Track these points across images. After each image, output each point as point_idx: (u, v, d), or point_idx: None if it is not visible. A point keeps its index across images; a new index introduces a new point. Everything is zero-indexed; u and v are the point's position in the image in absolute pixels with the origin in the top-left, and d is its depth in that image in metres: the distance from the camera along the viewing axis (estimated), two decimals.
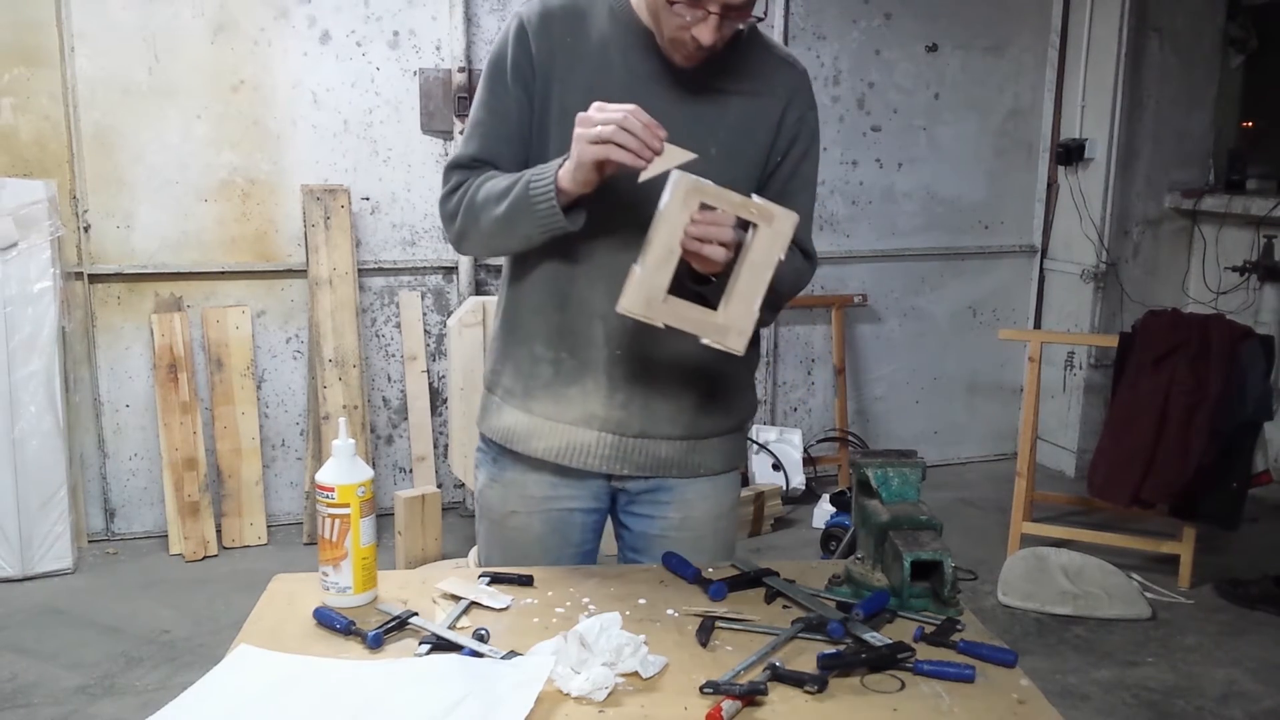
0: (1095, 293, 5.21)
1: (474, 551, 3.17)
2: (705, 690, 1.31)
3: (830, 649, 1.44)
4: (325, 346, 4.27)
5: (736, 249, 1.55)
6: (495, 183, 1.69)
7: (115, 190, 4.17)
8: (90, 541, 4.28)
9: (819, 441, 5.23)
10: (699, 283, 1.61)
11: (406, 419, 4.58)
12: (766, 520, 4.58)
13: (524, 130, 1.73)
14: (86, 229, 4.16)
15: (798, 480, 4.86)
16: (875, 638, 1.45)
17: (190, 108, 4.19)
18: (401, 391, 4.61)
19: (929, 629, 1.50)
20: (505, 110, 1.73)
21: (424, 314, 4.60)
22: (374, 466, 4.53)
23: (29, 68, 4.00)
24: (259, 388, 4.40)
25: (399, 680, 1.34)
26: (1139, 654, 3.51)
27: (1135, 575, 3.98)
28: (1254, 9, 5.14)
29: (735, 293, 1.55)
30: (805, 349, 5.20)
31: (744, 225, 1.55)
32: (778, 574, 1.68)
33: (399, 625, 1.49)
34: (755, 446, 4.85)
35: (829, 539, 4.29)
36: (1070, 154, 5.18)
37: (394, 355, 4.60)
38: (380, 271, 4.52)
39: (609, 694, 1.31)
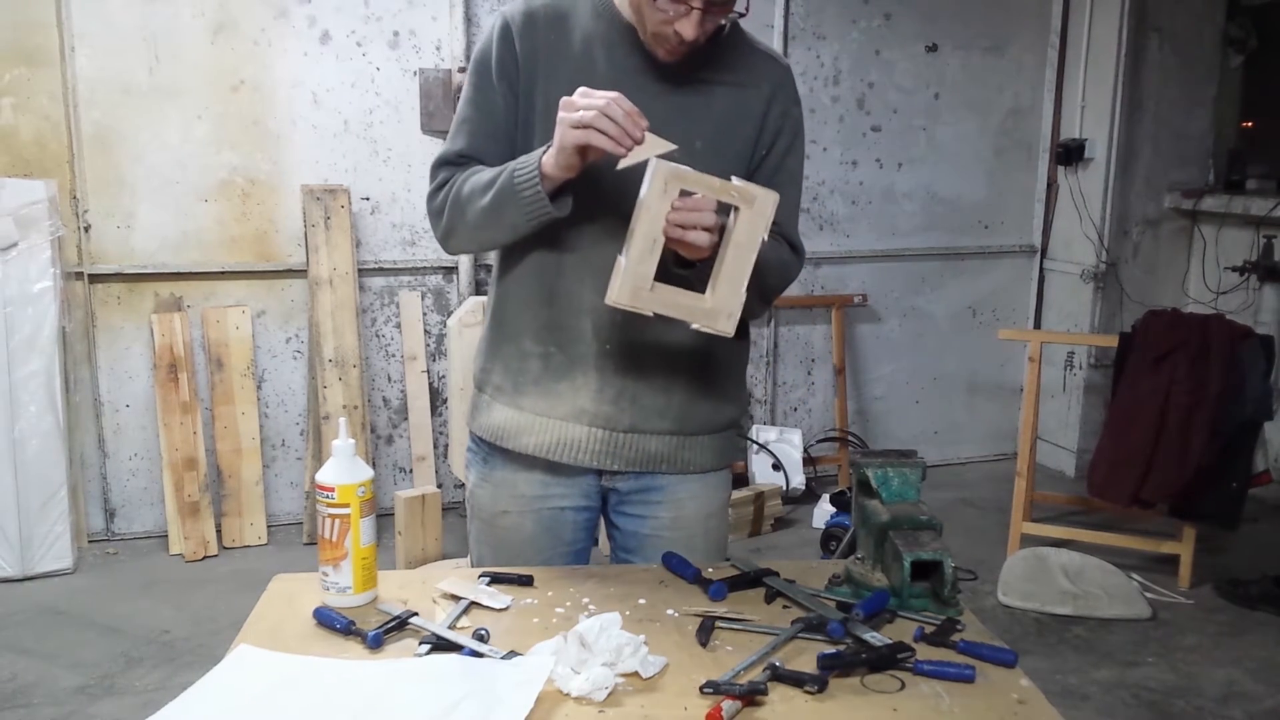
0: (1095, 293, 5.21)
1: None
2: (705, 690, 1.31)
3: (830, 649, 1.44)
4: (325, 346, 4.27)
5: (720, 233, 1.56)
6: (480, 176, 1.69)
7: (115, 190, 4.17)
8: (90, 541, 4.28)
9: (819, 441, 5.23)
10: (683, 267, 1.62)
11: (406, 419, 4.58)
12: (766, 520, 4.58)
13: (510, 127, 1.74)
14: (87, 229, 4.15)
15: (798, 480, 4.86)
16: (875, 638, 1.45)
17: (190, 108, 4.19)
18: (401, 391, 4.60)
19: (929, 629, 1.50)
20: (491, 107, 1.74)
21: (424, 314, 4.60)
22: (374, 466, 4.53)
23: (29, 68, 4.00)
24: (259, 388, 4.40)
25: (399, 680, 1.34)
26: (1139, 654, 3.51)
27: (1135, 575, 3.97)
28: (1253, 9, 5.14)
29: (721, 276, 1.56)
30: (805, 349, 5.20)
31: (725, 209, 1.56)
32: (778, 574, 1.67)
33: (399, 625, 1.48)
34: (755, 446, 4.85)
35: (829, 539, 4.29)
36: (1070, 154, 5.19)
37: (394, 355, 4.60)
38: (380, 271, 4.52)
39: (609, 694, 1.31)
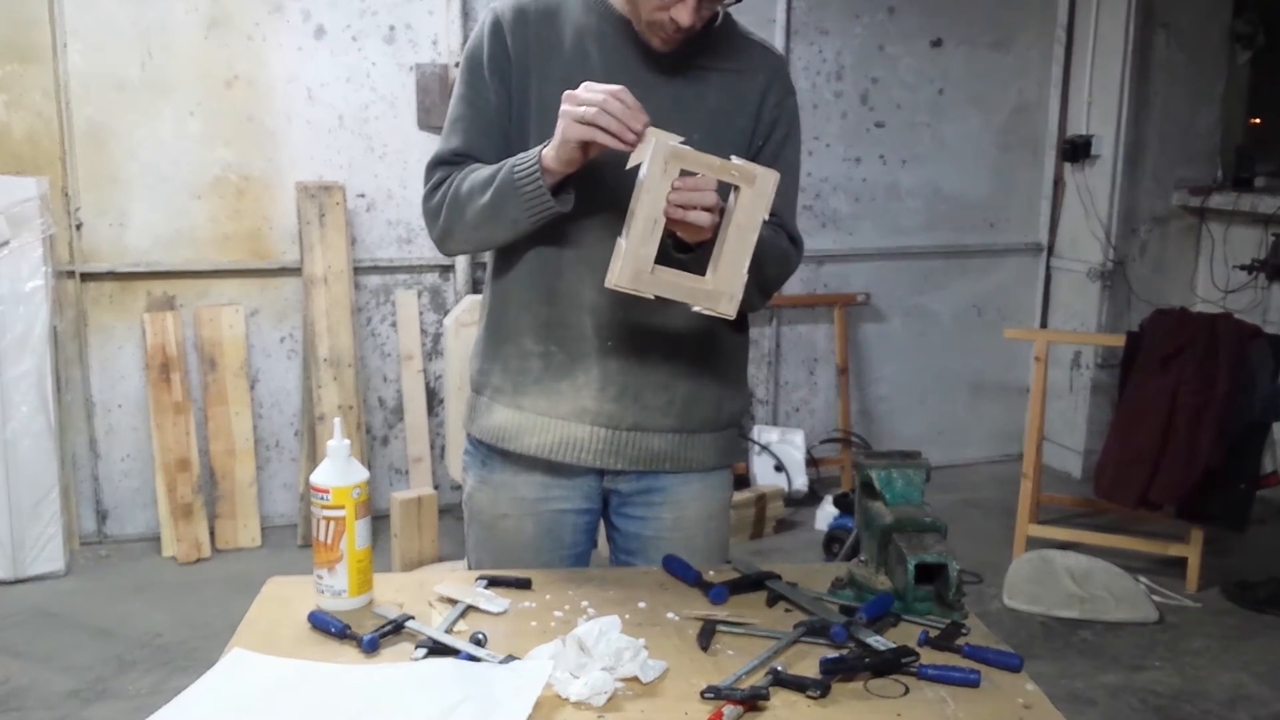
0: (1102, 291, 5.19)
1: None
2: (706, 695, 1.31)
3: (833, 653, 1.42)
4: (320, 346, 4.24)
5: (721, 214, 1.55)
6: (478, 174, 1.69)
7: (108, 188, 4.14)
8: (82, 544, 4.26)
9: (822, 442, 5.20)
10: (682, 251, 1.61)
11: (402, 419, 4.55)
12: (769, 522, 4.56)
13: (504, 123, 1.74)
14: (79, 227, 4.13)
15: (800, 482, 4.84)
16: (879, 642, 1.44)
17: (184, 104, 4.17)
18: (397, 391, 4.58)
19: (933, 633, 1.50)
20: (484, 104, 1.74)
21: (420, 313, 4.57)
22: (369, 468, 4.48)
23: (21, 64, 3.98)
24: (253, 388, 4.38)
25: (395, 685, 1.34)
26: (1146, 658, 3.49)
27: (1142, 578, 3.95)
28: (1261, 5, 5.12)
29: (723, 257, 1.55)
30: (808, 349, 5.17)
31: (726, 190, 1.55)
32: (780, 577, 1.66)
33: (395, 629, 1.48)
34: (757, 447, 4.83)
35: (832, 541, 4.27)
36: (1076, 151, 5.17)
37: (390, 355, 4.57)
38: (376, 270, 4.49)
39: (608, 699, 1.31)
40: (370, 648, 1.42)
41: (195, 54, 4.15)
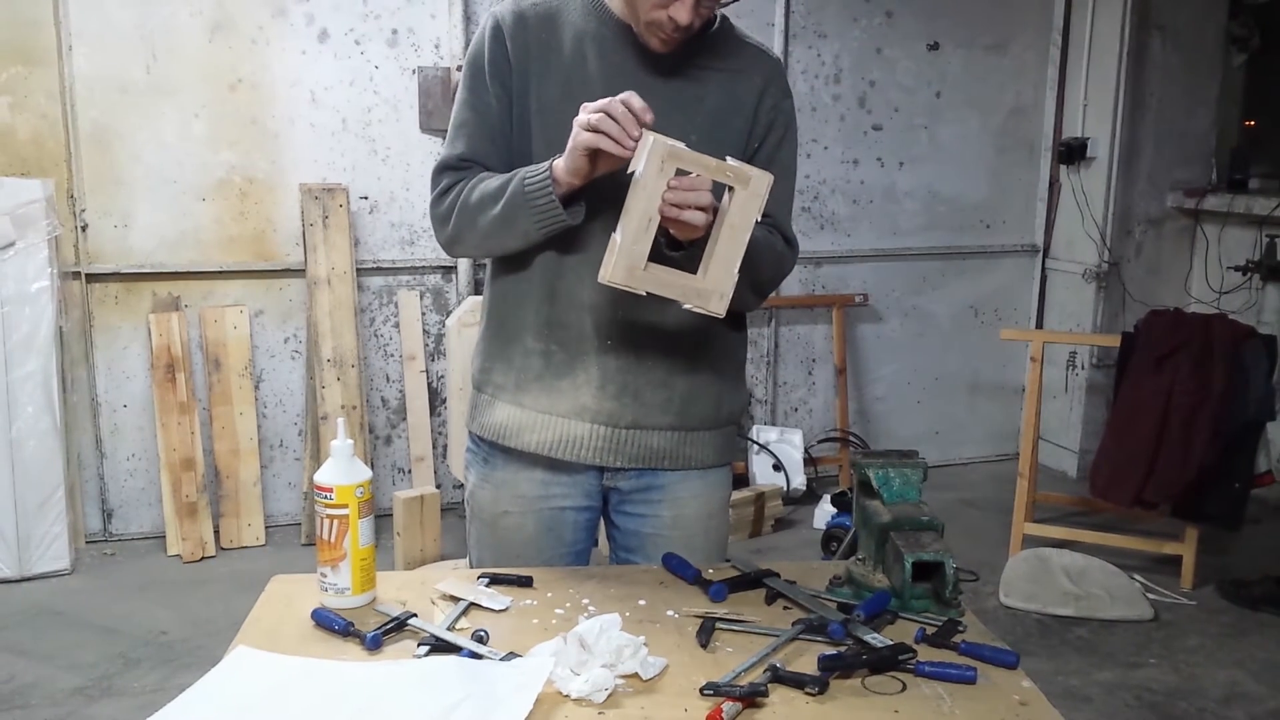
0: (1097, 292, 5.20)
1: None
2: (705, 692, 1.31)
3: (831, 650, 1.43)
4: (324, 346, 4.26)
5: (715, 214, 1.56)
6: (488, 183, 1.70)
7: (113, 189, 4.16)
8: (88, 542, 4.27)
9: (820, 442, 5.22)
10: (674, 249, 1.62)
11: (405, 419, 4.57)
12: (767, 521, 4.57)
13: (506, 127, 1.75)
14: (84, 228, 4.14)
15: (798, 481, 4.85)
16: (876, 639, 1.44)
17: (188, 106, 4.18)
18: (400, 391, 4.59)
19: (930, 630, 1.50)
20: (486, 108, 1.75)
21: (423, 313, 4.59)
22: (372, 467, 4.52)
23: (26, 66, 3.99)
24: (257, 388, 4.39)
25: (398, 682, 1.34)
26: (1141, 655, 3.50)
27: (1137, 576, 3.97)
28: (1256, 7, 5.13)
29: (715, 257, 1.56)
30: (806, 349, 5.19)
31: (720, 190, 1.56)
32: (778, 575, 1.67)
33: (398, 627, 1.48)
34: (756, 447, 4.84)
35: (830, 540, 4.28)
36: (1072, 153, 5.18)
37: (393, 355, 4.58)
38: (379, 271, 4.51)
39: (609, 696, 1.30)
40: (373, 645, 1.42)
41: (199, 57, 4.16)
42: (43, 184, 3.92)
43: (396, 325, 4.56)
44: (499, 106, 1.74)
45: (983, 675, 1.38)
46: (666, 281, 1.56)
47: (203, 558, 4.18)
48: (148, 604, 3.77)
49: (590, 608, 1.57)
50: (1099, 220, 5.14)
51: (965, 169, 5.28)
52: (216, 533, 4.27)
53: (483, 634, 1.44)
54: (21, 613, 3.69)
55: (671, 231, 1.58)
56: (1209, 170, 5.27)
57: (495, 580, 1.64)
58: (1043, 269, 5.48)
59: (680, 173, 1.52)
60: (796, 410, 5.22)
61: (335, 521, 1.52)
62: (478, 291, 4.47)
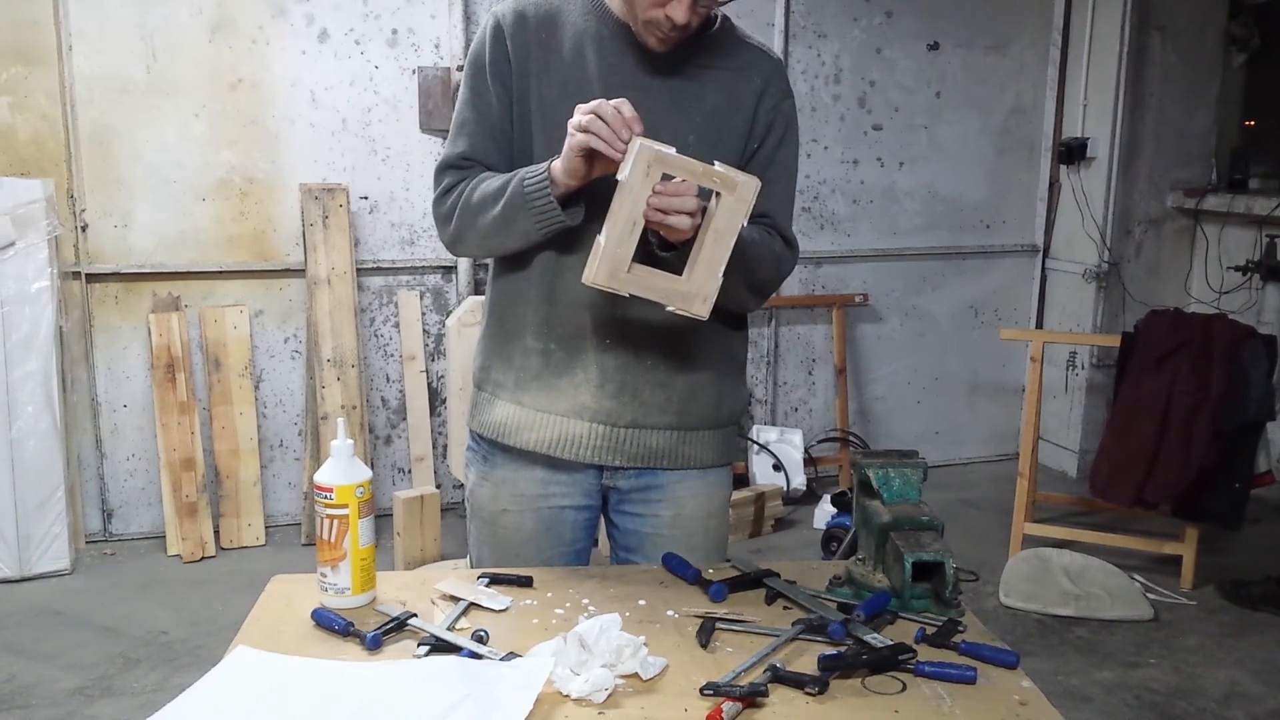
0: (1097, 292, 5.20)
1: None
2: (705, 692, 1.31)
3: (831, 650, 1.43)
4: (323, 346, 4.26)
5: (703, 215, 1.56)
6: (489, 184, 1.70)
7: (113, 189, 4.16)
8: (88, 542, 4.27)
9: (820, 442, 5.22)
10: (665, 249, 1.62)
11: (405, 419, 4.57)
12: (767, 521, 4.57)
13: (507, 126, 1.76)
14: (84, 228, 4.14)
15: (798, 481, 4.85)
16: (876, 639, 1.44)
17: (188, 106, 4.18)
18: (400, 391, 4.59)
19: (930, 630, 1.50)
20: (488, 108, 1.76)
21: (423, 314, 4.59)
22: (372, 467, 4.52)
23: (26, 66, 3.99)
24: (257, 388, 4.39)
25: (398, 682, 1.34)
26: (1141, 655, 3.50)
27: (1137, 576, 3.97)
28: (1256, 7, 5.13)
29: (700, 260, 1.56)
30: (806, 349, 5.19)
31: (708, 192, 1.56)
32: (778, 575, 1.67)
33: (398, 627, 1.48)
34: (756, 447, 4.84)
35: (830, 540, 4.28)
36: (1072, 153, 5.18)
37: (393, 355, 4.59)
38: (379, 271, 4.51)
39: (609, 696, 1.30)
40: (373, 645, 1.43)
41: (199, 57, 4.16)
42: (43, 184, 3.92)
43: (396, 325, 4.56)
44: (500, 106, 1.75)
45: (983, 675, 1.38)
46: (650, 284, 1.56)
47: (203, 558, 4.18)
48: (148, 604, 3.77)
49: (590, 608, 1.57)
50: (1099, 220, 5.14)
51: (965, 169, 5.28)
52: (216, 533, 4.28)
53: (483, 634, 1.44)
54: (21, 613, 3.69)
55: (660, 232, 1.58)
56: (1209, 170, 5.27)
57: (495, 580, 1.64)
58: (1043, 269, 5.48)
59: (667, 176, 1.52)
60: (796, 410, 5.22)
61: (335, 521, 1.52)
62: (478, 291, 4.47)
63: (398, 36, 4.37)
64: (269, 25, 4.21)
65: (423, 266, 4.56)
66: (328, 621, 1.48)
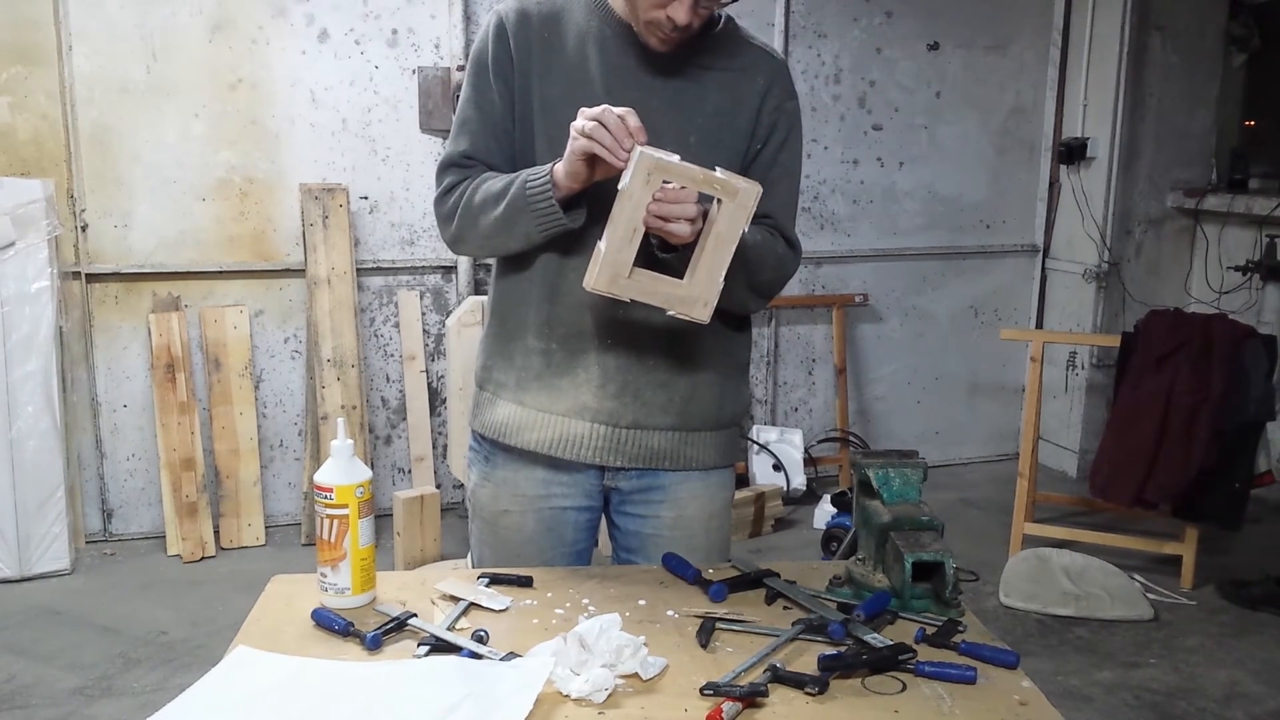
0: (1097, 292, 5.20)
1: None
2: (705, 692, 1.31)
3: (831, 650, 1.43)
4: (324, 346, 4.26)
5: (704, 219, 1.56)
6: (491, 184, 1.70)
7: (113, 189, 4.16)
8: (88, 542, 4.27)
9: (820, 442, 5.22)
10: (667, 251, 1.62)
11: (405, 419, 4.57)
12: (767, 521, 4.57)
13: (509, 125, 1.75)
14: (84, 228, 4.14)
15: (798, 481, 4.85)
16: (876, 639, 1.44)
17: (188, 106, 4.18)
18: (400, 392, 4.59)
19: (930, 630, 1.50)
20: (490, 106, 1.75)
21: (423, 314, 4.59)
22: (372, 467, 4.52)
23: (26, 66, 3.99)
24: (257, 388, 4.39)
25: (398, 682, 1.34)
26: (1141, 655, 3.50)
27: (1137, 576, 3.97)
28: (1256, 7, 5.13)
29: (701, 265, 1.56)
30: (806, 349, 5.19)
31: (709, 197, 1.56)
32: (778, 575, 1.67)
33: (398, 626, 1.48)
34: (756, 447, 4.84)
35: (830, 540, 4.28)
36: (1072, 153, 5.18)
37: (393, 355, 4.59)
38: (379, 271, 4.51)
39: (609, 695, 1.31)
40: (373, 645, 1.43)
41: (199, 57, 4.16)
42: (43, 184, 3.92)
43: (396, 325, 4.57)
44: (502, 104, 1.75)
45: (983, 675, 1.38)
46: (650, 289, 1.57)
47: (203, 558, 4.18)
48: (148, 604, 3.77)
49: (590, 608, 1.57)
50: (1099, 220, 5.14)
51: (965, 169, 5.28)
52: (216, 533, 4.28)
53: (483, 634, 1.44)
54: (21, 613, 3.69)
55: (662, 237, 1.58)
56: (1209, 170, 5.27)
57: (495, 580, 1.64)
58: (1043, 269, 5.48)
59: (669, 182, 1.52)
60: (796, 410, 5.22)
61: (335, 521, 1.52)
62: (478, 291, 4.47)
63: (398, 36, 4.37)
64: (269, 25, 4.21)
65: (423, 266, 4.56)
66: (328, 621, 1.48)
